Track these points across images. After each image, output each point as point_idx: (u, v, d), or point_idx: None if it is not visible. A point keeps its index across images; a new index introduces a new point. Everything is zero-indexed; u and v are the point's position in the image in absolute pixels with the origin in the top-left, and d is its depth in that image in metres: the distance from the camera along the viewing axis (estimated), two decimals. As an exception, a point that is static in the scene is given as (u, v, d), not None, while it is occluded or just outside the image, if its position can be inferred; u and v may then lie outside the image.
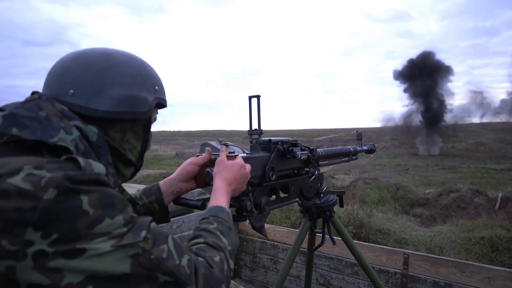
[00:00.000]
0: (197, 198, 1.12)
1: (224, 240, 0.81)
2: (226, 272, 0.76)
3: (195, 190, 1.18)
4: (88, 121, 0.77)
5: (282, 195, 1.33)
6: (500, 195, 8.69)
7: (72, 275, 0.58)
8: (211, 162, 1.09)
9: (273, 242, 2.83)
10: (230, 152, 1.03)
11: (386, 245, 4.78)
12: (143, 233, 0.65)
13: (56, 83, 0.79)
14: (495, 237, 6.01)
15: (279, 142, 1.27)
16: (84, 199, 0.60)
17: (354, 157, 1.86)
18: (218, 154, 1.07)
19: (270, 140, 1.25)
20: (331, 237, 1.59)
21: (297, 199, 1.42)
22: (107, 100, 0.79)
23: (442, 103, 38.19)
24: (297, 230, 2.69)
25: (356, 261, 2.24)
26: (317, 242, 1.71)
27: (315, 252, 1.76)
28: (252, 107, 1.23)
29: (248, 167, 1.04)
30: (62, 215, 0.57)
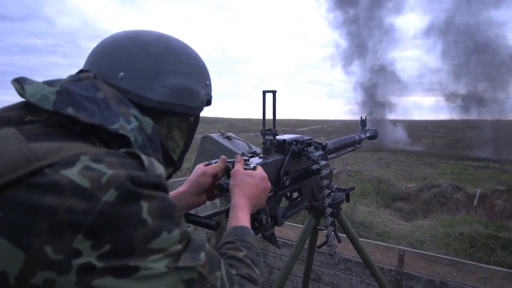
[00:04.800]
0: (206, 213, 1.01)
1: (257, 271, 0.71)
2: None
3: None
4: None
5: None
6: (478, 191, 8.95)
7: None
8: (225, 171, 0.98)
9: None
10: (246, 164, 0.93)
11: (368, 238, 4.86)
12: (202, 255, 0.57)
13: (106, 63, 0.69)
14: (473, 233, 6.22)
15: (293, 142, 1.19)
16: (145, 205, 0.51)
17: (359, 145, 1.79)
18: (232, 161, 0.97)
19: (284, 140, 1.16)
20: (336, 235, 1.55)
21: (307, 202, 1.35)
22: (162, 89, 0.70)
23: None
24: (294, 225, 2.68)
25: (349, 257, 2.25)
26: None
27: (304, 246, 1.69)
28: (266, 103, 1.11)
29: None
30: (119, 223, 0.48)
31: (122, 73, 0.68)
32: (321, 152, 1.31)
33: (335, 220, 1.61)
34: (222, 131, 2.70)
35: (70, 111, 0.58)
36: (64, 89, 0.60)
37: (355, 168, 12.23)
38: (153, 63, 0.70)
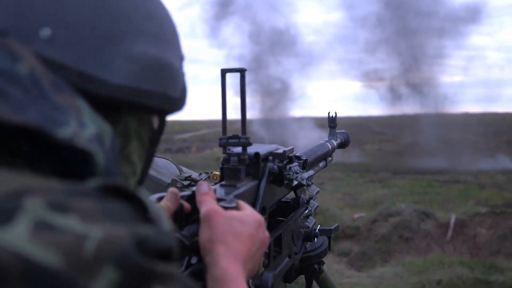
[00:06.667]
0: None
1: None
2: None
3: None
4: None
5: None
6: (453, 218, 9.87)
7: None
8: (176, 215, 0.93)
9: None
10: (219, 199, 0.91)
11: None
12: None
13: (11, 9, 0.58)
14: (455, 279, 6.82)
15: (269, 157, 1.22)
16: None
17: (330, 158, 1.88)
18: (187, 194, 0.94)
19: (258, 155, 1.16)
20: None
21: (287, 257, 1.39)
22: (124, 63, 0.62)
23: None
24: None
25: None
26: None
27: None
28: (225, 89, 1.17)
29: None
30: None
31: (47, 30, 0.58)
32: (311, 172, 1.35)
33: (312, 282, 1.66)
34: None
35: None
36: None
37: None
38: (105, 14, 0.62)
